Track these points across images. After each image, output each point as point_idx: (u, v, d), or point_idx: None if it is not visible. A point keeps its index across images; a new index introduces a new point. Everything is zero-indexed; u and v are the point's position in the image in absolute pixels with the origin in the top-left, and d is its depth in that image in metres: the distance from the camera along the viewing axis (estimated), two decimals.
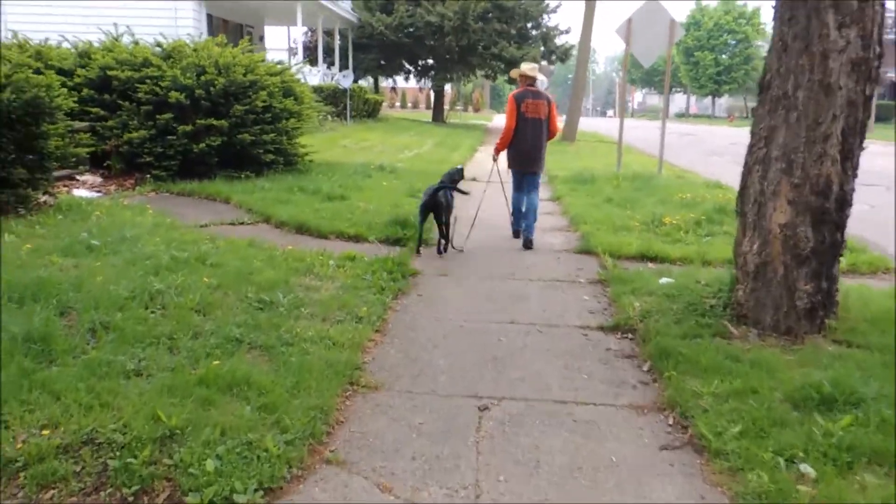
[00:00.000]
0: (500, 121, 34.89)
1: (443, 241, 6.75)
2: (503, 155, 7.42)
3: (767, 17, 54.25)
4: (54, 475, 2.62)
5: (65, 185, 9.03)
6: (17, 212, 6.85)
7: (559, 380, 3.93)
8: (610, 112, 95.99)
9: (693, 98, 70.65)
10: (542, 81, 7.68)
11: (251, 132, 10.20)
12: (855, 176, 4.21)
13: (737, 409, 3.31)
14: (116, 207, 7.64)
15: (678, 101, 72.54)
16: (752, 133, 4.43)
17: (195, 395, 3.22)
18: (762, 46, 55.64)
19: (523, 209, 7.38)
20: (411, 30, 28.34)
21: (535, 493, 2.83)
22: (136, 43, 11.14)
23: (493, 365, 4.11)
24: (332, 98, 22.41)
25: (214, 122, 9.86)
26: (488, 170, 7.93)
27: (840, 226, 4.23)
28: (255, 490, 2.65)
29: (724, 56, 57.80)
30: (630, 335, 4.63)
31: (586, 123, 36.25)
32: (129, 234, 6.08)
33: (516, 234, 7.55)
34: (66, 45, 11.38)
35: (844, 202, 4.19)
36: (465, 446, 3.17)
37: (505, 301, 5.37)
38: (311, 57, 26.95)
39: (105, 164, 10.11)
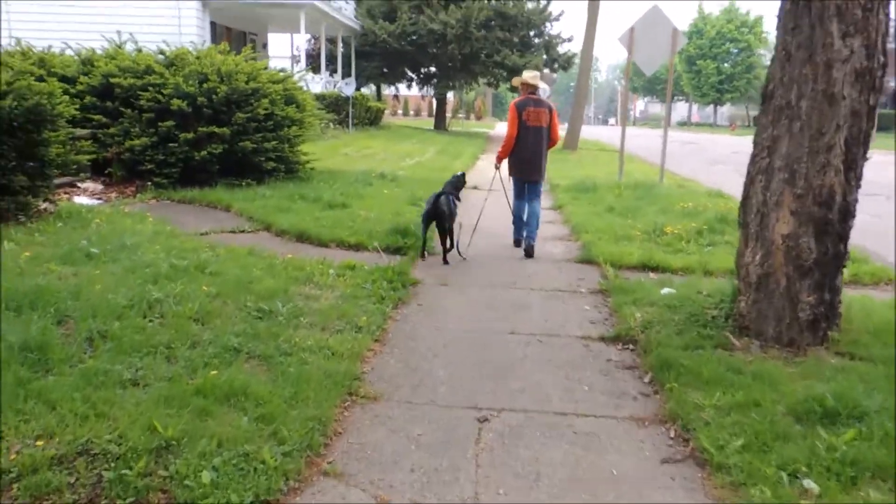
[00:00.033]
0: (501, 129, 34.93)
1: (446, 250, 6.73)
2: (505, 163, 7.43)
3: (769, 26, 54.38)
4: (48, 486, 2.59)
5: (66, 193, 9.02)
6: (17, 219, 6.84)
7: (560, 391, 3.89)
8: (612, 120, 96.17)
9: (695, 106, 70.72)
10: (543, 90, 7.67)
11: (253, 140, 10.20)
12: (858, 186, 4.18)
13: (739, 422, 3.28)
14: (117, 215, 7.63)
15: (680, 109, 72.61)
16: (755, 143, 4.40)
17: (192, 406, 3.19)
18: (764, 55, 55.79)
19: (524, 217, 7.37)
20: (414, 38, 28.41)
21: None
22: (139, 50, 11.17)
23: (494, 375, 4.08)
24: (335, 106, 22.44)
25: (216, 130, 9.86)
26: (490, 178, 7.92)
27: (843, 237, 4.21)
28: (252, 503, 2.61)
29: (726, 65, 57.91)
30: (631, 346, 4.59)
31: (588, 132, 36.31)
32: (128, 241, 6.06)
33: (517, 244, 7.53)
34: (69, 52, 11.41)
35: (848, 213, 4.16)
36: (464, 458, 3.13)
37: (506, 311, 5.34)
38: (313, 64, 27.04)
39: (106, 172, 10.11)
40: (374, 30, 27.74)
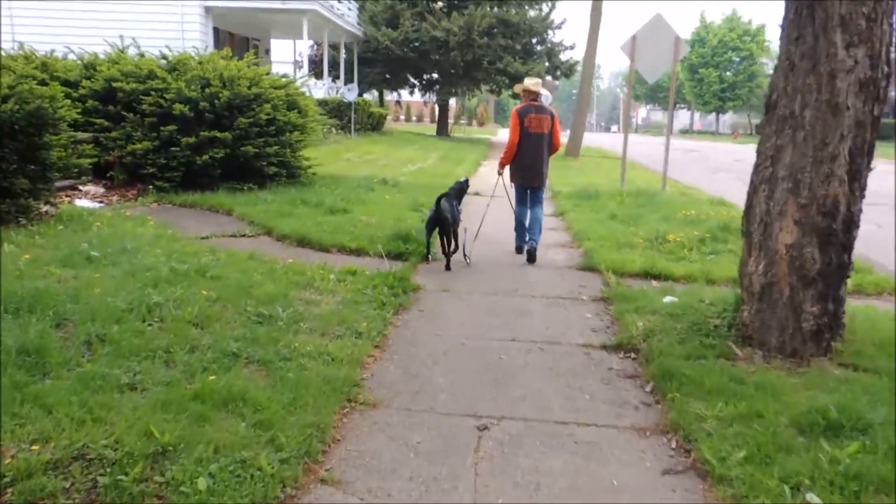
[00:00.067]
0: (503, 135, 34.95)
1: (448, 256, 6.72)
2: (507, 169, 7.44)
3: (772, 35, 54.55)
4: (42, 491, 2.56)
5: (67, 196, 9.02)
6: (17, 222, 6.83)
7: (560, 399, 3.86)
8: (614, 127, 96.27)
9: (697, 114, 70.85)
10: (546, 96, 7.67)
11: (255, 144, 10.20)
12: (863, 197, 4.15)
13: (741, 433, 3.24)
14: (118, 218, 7.62)
15: (682, 117, 72.72)
16: (759, 152, 4.38)
17: (190, 411, 3.17)
18: (766, 64, 55.95)
19: (527, 223, 7.36)
20: (416, 44, 28.47)
21: None
22: (142, 55, 11.19)
23: (494, 383, 4.05)
24: (337, 111, 22.47)
25: (218, 135, 9.86)
26: (492, 184, 7.91)
27: (847, 247, 4.18)
28: None
29: (728, 73, 58.03)
30: (633, 355, 4.56)
31: (590, 139, 36.33)
32: (129, 245, 6.04)
33: (519, 250, 7.51)
34: (71, 56, 11.43)
35: (852, 223, 4.14)
36: (463, 467, 3.10)
37: (507, 317, 5.32)
38: (316, 70, 27.10)
39: (108, 175, 10.12)
40: (376, 36, 27.81)
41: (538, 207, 7.36)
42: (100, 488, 2.61)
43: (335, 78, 27.87)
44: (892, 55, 4.03)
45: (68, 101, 7.97)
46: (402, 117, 51.45)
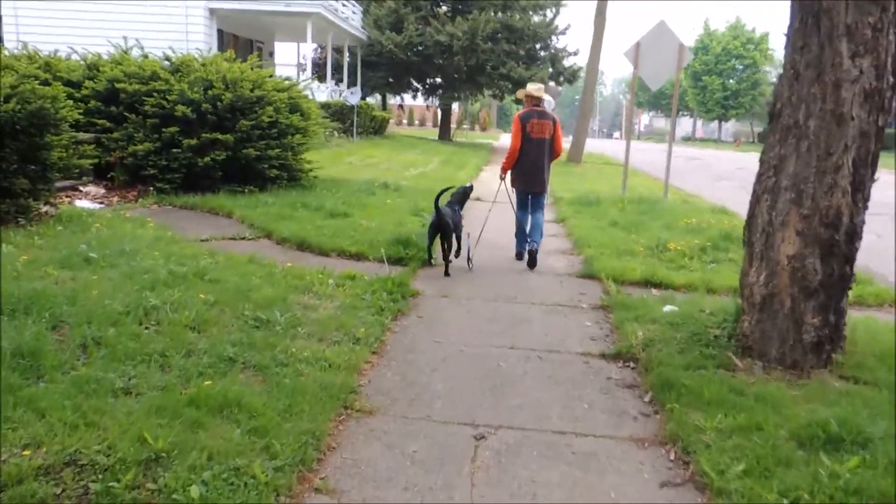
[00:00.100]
0: (505, 140, 34.93)
1: (448, 262, 6.69)
2: (508, 174, 7.43)
3: (775, 43, 54.70)
4: (33, 497, 2.53)
5: (67, 196, 9.01)
6: (17, 222, 6.81)
7: (559, 409, 3.83)
8: (616, 134, 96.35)
9: (700, 122, 70.82)
10: (548, 102, 7.66)
11: (256, 147, 10.19)
12: (866, 208, 4.12)
13: (740, 445, 3.21)
14: (117, 219, 7.60)
15: (684, 124, 72.67)
16: (762, 161, 4.35)
17: (184, 417, 3.14)
18: (770, 72, 55.97)
19: (527, 229, 7.33)
20: (420, 48, 28.49)
21: None
22: (146, 56, 11.20)
23: (492, 391, 4.02)
24: (340, 114, 22.47)
25: (220, 137, 9.85)
26: (493, 189, 7.89)
27: (849, 258, 4.15)
28: None
29: (731, 81, 58.04)
30: (632, 364, 4.53)
31: (592, 145, 36.31)
32: (128, 247, 6.02)
33: (519, 256, 7.48)
34: (75, 56, 11.44)
35: (854, 235, 4.11)
36: (459, 477, 3.07)
37: (506, 325, 5.29)
38: (319, 73, 27.15)
39: (109, 176, 10.11)
40: (380, 40, 27.83)
41: (539, 213, 7.34)
42: (91, 495, 2.58)
43: (338, 81, 27.88)
44: None
45: (70, 102, 7.97)
46: (405, 121, 51.49)
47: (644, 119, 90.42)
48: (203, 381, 3.53)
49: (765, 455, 3.10)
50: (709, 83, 57.56)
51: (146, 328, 4.22)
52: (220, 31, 21.09)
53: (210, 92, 10.01)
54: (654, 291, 6.31)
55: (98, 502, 2.55)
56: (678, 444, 3.37)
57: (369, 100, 31.79)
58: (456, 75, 29.61)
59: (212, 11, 20.06)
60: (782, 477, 2.94)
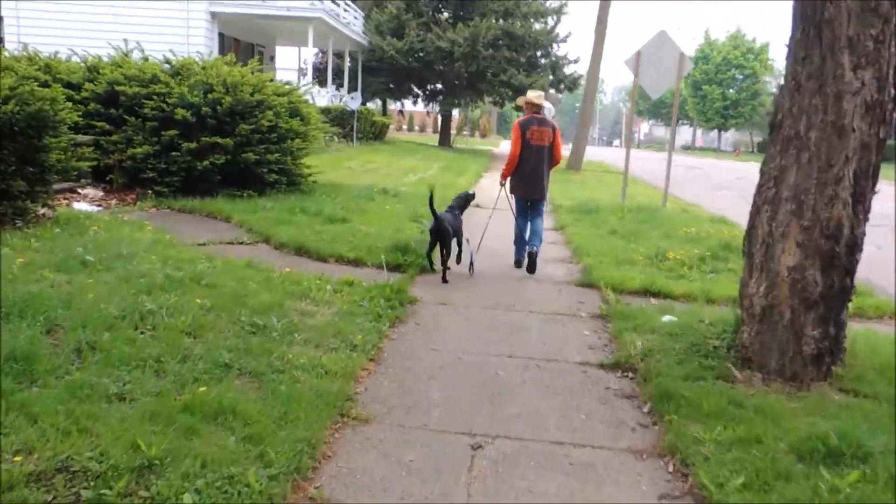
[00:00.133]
0: (505, 147, 34.95)
1: (446, 268, 6.67)
2: (508, 181, 7.42)
3: (775, 53, 54.88)
4: None
5: (65, 198, 8.98)
6: (14, 224, 6.78)
7: (556, 419, 3.80)
8: (616, 142, 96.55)
9: (699, 131, 70.94)
10: (548, 109, 7.65)
11: (256, 151, 10.17)
12: (866, 220, 4.11)
13: (740, 458, 3.18)
14: (115, 222, 7.57)
15: (684, 133, 72.82)
16: (762, 172, 4.34)
17: (178, 423, 3.10)
18: (770, 82, 56.13)
19: (526, 236, 7.32)
20: (421, 54, 28.54)
21: None
22: (146, 59, 11.18)
23: (490, 400, 3.99)
24: (340, 119, 22.49)
25: (219, 141, 9.83)
26: (493, 196, 7.88)
27: (850, 270, 4.13)
28: None
29: (731, 90, 58.20)
30: (630, 374, 4.50)
31: (592, 153, 36.34)
32: (125, 250, 5.99)
33: (518, 264, 7.46)
34: (75, 58, 11.42)
35: (855, 246, 4.09)
36: (455, 487, 3.04)
37: (504, 333, 5.26)
38: (320, 78, 27.17)
39: (107, 179, 10.08)
40: (381, 46, 27.88)
41: (539, 219, 7.33)
42: (83, 502, 2.55)
43: (339, 86, 27.92)
44: None
45: (69, 104, 7.94)
46: (405, 127, 51.53)
47: (644, 127, 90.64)
48: (198, 388, 3.50)
49: (764, 468, 3.07)
50: (709, 92, 57.71)
51: (141, 333, 4.19)
52: (221, 35, 21.11)
53: (210, 95, 10.00)
54: (653, 301, 6.28)
55: None
56: (677, 455, 3.35)
57: (370, 105, 31.81)
58: (456, 82, 29.66)
59: (213, 15, 20.09)
60: (782, 491, 2.91)
